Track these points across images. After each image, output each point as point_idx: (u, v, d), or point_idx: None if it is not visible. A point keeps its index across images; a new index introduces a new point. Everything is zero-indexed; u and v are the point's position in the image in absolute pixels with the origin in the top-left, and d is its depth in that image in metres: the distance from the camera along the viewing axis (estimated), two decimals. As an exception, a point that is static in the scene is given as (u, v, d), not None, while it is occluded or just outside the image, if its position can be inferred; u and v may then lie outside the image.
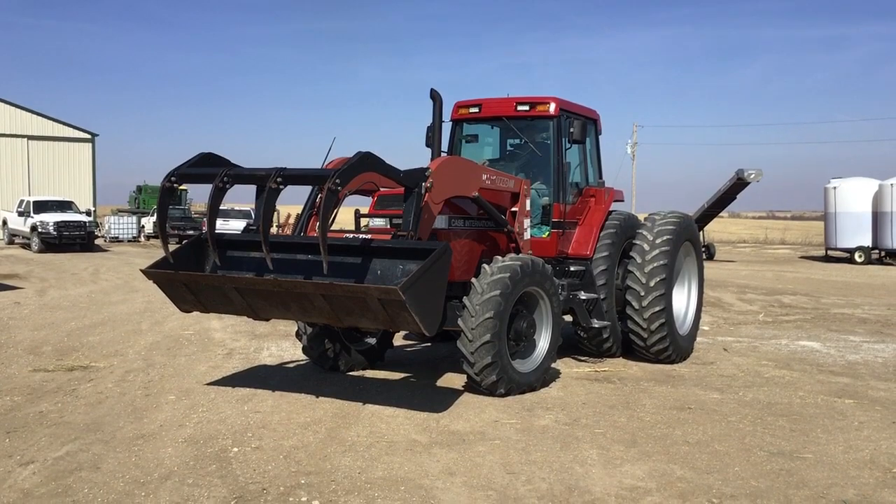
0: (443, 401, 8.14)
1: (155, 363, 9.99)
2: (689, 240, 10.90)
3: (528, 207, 9.47)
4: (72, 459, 6.19)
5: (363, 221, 9.25)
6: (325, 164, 8.51)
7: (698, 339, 11.91)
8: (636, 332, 10.15)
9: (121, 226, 41.65)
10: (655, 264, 10.02)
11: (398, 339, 11.33)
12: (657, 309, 9.97)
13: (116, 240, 40.89)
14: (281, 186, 7.39)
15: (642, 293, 9.98)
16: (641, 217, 11.13)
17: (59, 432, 6.92)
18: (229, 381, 8.96)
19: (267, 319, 8.25)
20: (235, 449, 6.47)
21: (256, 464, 6.13)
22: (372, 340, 9.81)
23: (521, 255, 8.70)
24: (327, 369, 9.38)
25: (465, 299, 8.17)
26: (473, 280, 8.26)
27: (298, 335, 9.41)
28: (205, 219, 8.29)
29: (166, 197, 7.99)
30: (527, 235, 9.47)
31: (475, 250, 9.02)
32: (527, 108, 10.17)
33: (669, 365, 10.29)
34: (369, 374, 9.48)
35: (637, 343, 10.24)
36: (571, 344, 10.63)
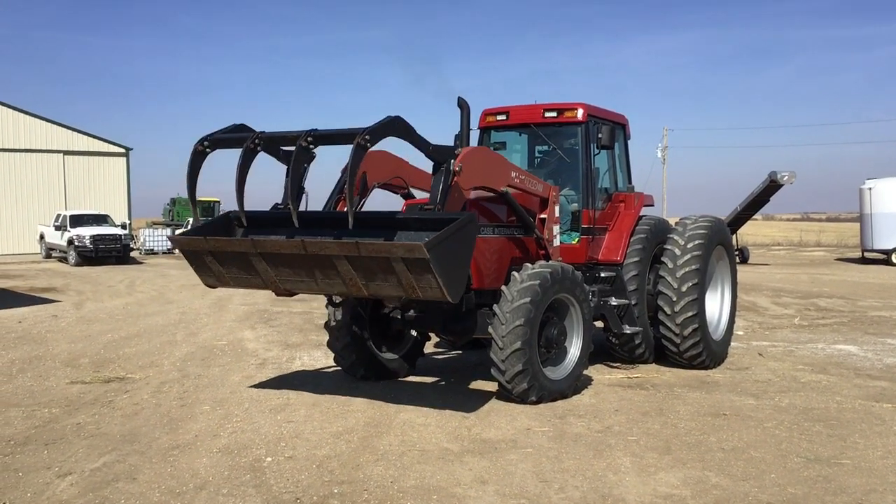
0: (474, 409, 8.13)
1: (189, 374, 10.08)
2: (721, 244, 10.80)
3: (557, 214, 9.44)
4: (108, 470, 6.27)
5: None
6: None
7: (733, 343, 11.79)
8: (669, 338, 10.08)
9: (155, 238, 42.13)
10: (687, 269, 9.94)
11: (429, 347, 11.32)
12: (690, 314, 9.89)
13: (152, 252, 41.37)
14: (311, 147, 7.44)
15: (674, 298, 9.91)
16: (672, 222, 11.06)
17: (95, 443, 7.01)
18: (262, 390, 9.02)
19: (291, 294, 8.12)
20: (269, 459, 6.52)
21: (290, 473, 6.16)
22: (403, 349, 9.83)
23: (550, 262, 8.68)
24: (359, 378, 9.40)
25: (495, 307, 8.17)
26: (503, 287, 8.25)
27: (330, 344, 9.45)
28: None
29: (197, 160, 8.00)
30: (556, 242, 9.43)
31: (505, 258, 9.00)
32: (554, 114, 10.15)
33: (703, 371, 10.19)
34: (401, 382, 9.50)
35: (670, 349, 10.16)
36: (603, 350, 10.58)
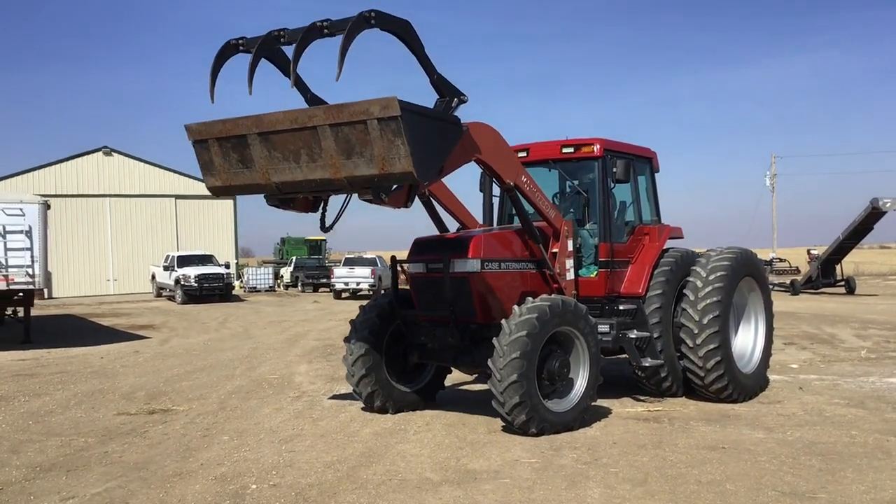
0: (474, 440, 8.30)
1: (228, 406, 10.61)
2: (749, 275, 10.62)
3: (570, 248, 9.56)
4: (106, 495, 6.77)
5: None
6: None
7: (776, 377, 11.52)
8: (693, 371, 9.97)
9: (258, 276, 43.87)
10: (708, 301, 9.84)
11: (450, 380, 11.44)
12: (712, 346, 9.77)
13: (254, 290, 43.06)
14: (325, 31, 7.54)
15: (696, 331, 9.82)
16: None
17: (111, 471, 7.56)
18: (283, 422, 9.43)
19: (282, 192, 8.35)
20: (254, 486, 6.89)
21: (268, 500, 6.51)
22: (422, 383, 10.10)
23: (552, 296, 8.79)
24: (376, 410, 9.69)
25: (494, 340, 8.35)
26: (503, 321, 8.43)
27: (347, 377, 9.79)
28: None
29: (227, 51, 8.31)
30: (569, 276, 9.54)
31: (514, 292, 9.16)
32: (572, 150, 10.31)
33: (730, 404, 10.00)
34: (415, 415, 9.70)
35: (695, 382, 10.04)
36: (631, 383, 10.54)
